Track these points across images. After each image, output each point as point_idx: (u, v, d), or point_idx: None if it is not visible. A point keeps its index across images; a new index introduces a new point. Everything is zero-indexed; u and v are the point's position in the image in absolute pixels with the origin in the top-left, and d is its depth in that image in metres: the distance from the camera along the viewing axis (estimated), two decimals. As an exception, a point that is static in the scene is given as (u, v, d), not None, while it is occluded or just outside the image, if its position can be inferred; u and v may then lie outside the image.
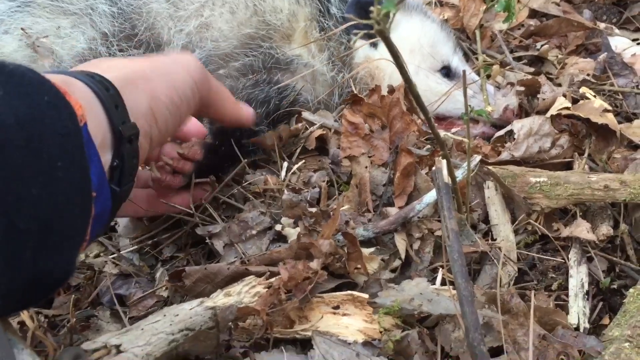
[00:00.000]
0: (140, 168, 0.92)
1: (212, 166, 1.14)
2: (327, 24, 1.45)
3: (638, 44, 1.75)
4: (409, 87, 0.67)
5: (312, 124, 1.33)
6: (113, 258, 1.13)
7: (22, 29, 1.34)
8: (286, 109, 1.34)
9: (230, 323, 0.86)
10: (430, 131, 1.29)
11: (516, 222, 1.13)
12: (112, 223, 1.19)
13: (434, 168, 0.87)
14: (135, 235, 1.17)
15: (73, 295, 1.05)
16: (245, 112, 1.08)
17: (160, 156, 1.08)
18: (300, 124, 1.30)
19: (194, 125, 1.13)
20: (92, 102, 0.71)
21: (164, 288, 1.06)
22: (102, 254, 1.15)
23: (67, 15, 1.39)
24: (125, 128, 0.74)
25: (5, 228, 0.54)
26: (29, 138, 0.58)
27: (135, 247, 1.15)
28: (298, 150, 1.31)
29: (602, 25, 1.80)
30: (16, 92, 0.59)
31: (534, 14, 1.84)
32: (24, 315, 0.87)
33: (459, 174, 1.05)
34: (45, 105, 0.61)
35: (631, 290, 0.99)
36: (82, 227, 0.66)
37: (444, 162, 0.86)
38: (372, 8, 0.56)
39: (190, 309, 0.85)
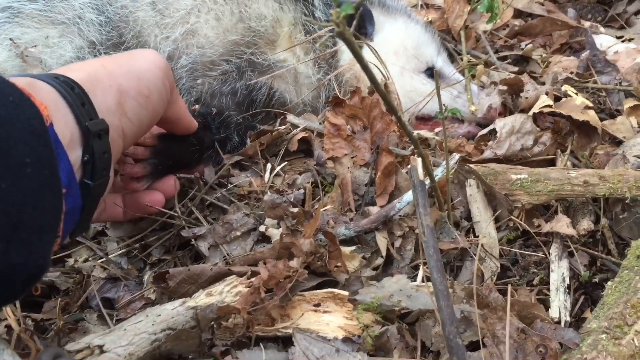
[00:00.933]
0: None
1: (175, 153, 1.14)
2: (312, 28, 1.47)
3: (623, 41, 1.76)
4: (375, 86, 0.69)
5: (296, 126, 1.35)
6: (101, 262, 1.15)
7: (10, 39, 1.36)
8: (264, 108, 1.37)
9: (212, 322, 0.88)
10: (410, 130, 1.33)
11: (498, 219, 1.15)
12: (102, 226, 1.21)
13: (409, 166, 0.89)
14: (124, 236, 1.19)
15: (61, 300, 1.07)
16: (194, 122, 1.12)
17: None
18: (282, 127, 1.32)
19: None
20: (57, 102, 0.74)
21: (151, 290, 1.08)
22: (90, 259, 1.16)
23: (55, 24, 1.41)
24: (93, 124, 0.77)
25: None
26: None
27: (124, 250, 1.17)
28: (282, 152, 1.33)
29: (587, 24, 1.82)
30: None
31: (518, 14, 1.86)
32: (10, 320, 0.89)
33: (439, 172, 1.07)
34: (10, 105, 0.63)
35: (609, 283, 1.00)
36: (54, 223, 0.68)
37: (419, 160, 0.88)
38: (331, 11, 0.58)
39: (173, 309, 0.87)
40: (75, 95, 0.76)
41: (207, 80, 1.40)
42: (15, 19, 1.42)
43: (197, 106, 1.27)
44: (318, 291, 0.94)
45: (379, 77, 1.39)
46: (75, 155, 0.75)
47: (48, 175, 0.66)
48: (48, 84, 0.75)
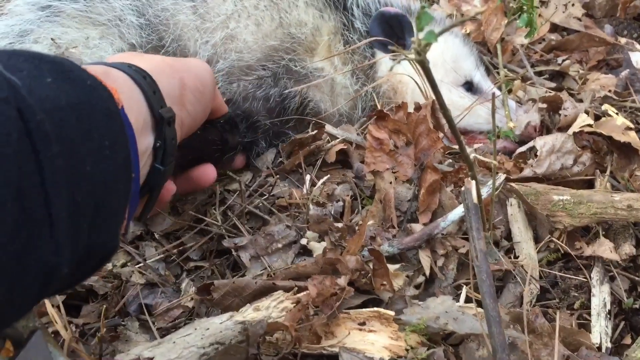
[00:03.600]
0: None
1: (194, 151, 1.11)
2: (351, 38, 1.46)
3: (659, 60, 1.75)
4: (442, 109, 0.69)
5: (334, 137, 1.34)
6: (139, 267, 1.15)
7: (52, 39, 1.36)
8: (297, 115, 1.37)
9: (259, 337, 0.87)
10: (451, 146, 1.32)
11: (538, 240, 1.14)
12: (140, 230, 1.21)
13: (462, 188, 0.88)
14: (165, 231, 1.20)
15: (100, 305, 1.07)
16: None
17: None
18: (319, 138, 1.31)
19: None
20: (132, 89, 0.77)
21: (189, 298, 1.08)
22: (129, 264, 1.17)
23: (96, 25, 1.41)
24: (164, 111, 0.81)
25: (69, 201, 0.57)
26: (80, 118, 0.61)
27: (162, 256, 1.17)
28: (319, 163, 1.32)
29: (623, 41, 1.80)
30: (62, 77, 0.63)
31: (555, 28, 1.85)
32: (58, 325, 0.89)
33: (484, 191, 1.06)
34: (89, 89, 0.65)
35: (654, 310, 1.00)
36: (124, 205, 0.70)
37: (474, 182, 0.88)
38: (412, 39, 0.58)
39: (221, 323, 0.87)
40: (147, 83, 0.79)
41: (242, 83, 1.40)
42: (56, 18, 1.41)
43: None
44: (364, 310, 0.94)
45: (417, 91, 1.38)
46: (147, 141, 0.78)
47: (123, 158, 0.67)
48: (123, 72, 0.78)
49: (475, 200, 0.86)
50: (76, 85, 0.64)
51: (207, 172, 1.12)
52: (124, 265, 1.17)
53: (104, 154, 0.63)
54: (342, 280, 0.91)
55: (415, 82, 1.36)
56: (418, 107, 1.16)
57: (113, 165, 0.65)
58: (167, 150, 0.82)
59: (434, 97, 1.19)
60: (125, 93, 0.73)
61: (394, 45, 0.95)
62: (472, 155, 0.86)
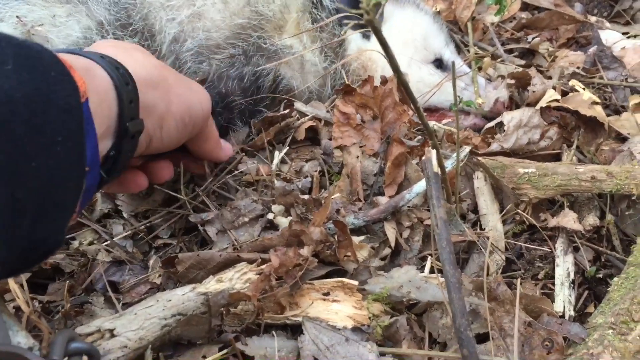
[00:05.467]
0: None
1: None
2: (319, 16, 1.46)
3: (628, 37, 1.77)
4: (398, 77, 0.69)
5: (303, 114, 1.34)
6: (106, 245, 1.14)
7: (17, 17, 1.34)
8: (270, 93, 1.36)
9: (221, 308, 0.87)
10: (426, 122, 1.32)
11: (504, 212, 1.15)
12: (107, 209, 1.20)
13: (424, 158, 0.89)
14: (134, 211, 1.19)
15: (67, 282, 1.06)
16: (224, 152, 1.14)
17: None
18: (289, 116, 1.31)
19: None
20: (108, 91, 0.75)
21: (157, 275, 1.08)
22: (95, 242, 1.16)
23: (63, 3, 1.39)
24: (133, 125, 0.78)
25: (7, 198, 0.56)
26: (34, 113, 0.60)
27: (129, 233, 1.17)
28: (288, 140, 1.32)
29: (592, 19, 1.82)
30: (26, 65, 0.61)
31: (525, 6, 1.86)
32: (19, 301, 0.88)
33: (449, 164, 1.07)
34: (52, 80, 0.63)
35: (615, 279, 1.01)
36: (75, 200, 0.69)
37: (434, 152, 0.88)
38: (361, -1, 0.57)
39: (183, 295, 0.87)
40: (127, 91, 0.77)
41: (214, 62, 1.39)
42: (22, -4, 1.40)
43: None
44: (327, 280, 0.94)
45: (388, 68, 1.38)
46: (103, 145, 0.75)
47: (76, 154, 0.66)
48: (107, 73, 0.76)
49: (435, 169, 0.86)
50: (38, 75, 0.62)
51: (165, 166, 1.10)
52: (91, 244, 1.16)
53: (55, 150, 0.62)
54: (306, 251, 0.91)
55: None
56: (384, 81, 1.16)
57: (64, 161, 0.64)
58: (118, 162, 0.80)
59: (404, 71, 1.20)
60: (100, 93, 0.72)
61: (361, 19, 0.95)
62: (431, 124, 0.86)
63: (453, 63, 0.89)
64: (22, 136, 0.58)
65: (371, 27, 0.57)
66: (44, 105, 0.61)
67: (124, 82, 0.77)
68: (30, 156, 0.59)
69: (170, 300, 0.85)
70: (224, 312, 0.89)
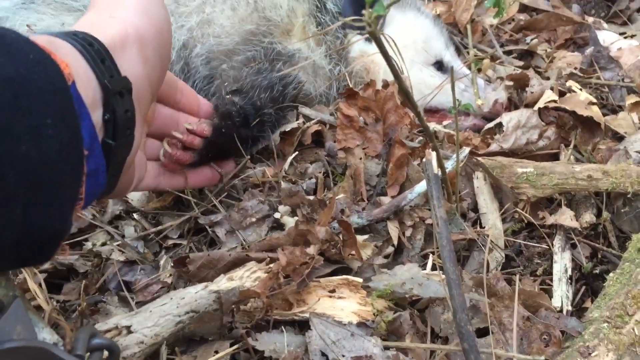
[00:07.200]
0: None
1: (220, 146, 1.16)
2: (323, 19, 1.49)
3: (625, 37, 1.80)
4: (399, 83, 0.72)
5: (309, 118, 1.38)
6: (118, 246, 1.18)
7: (27, 25, 1.38)
8: (292, 101, 1.38)
9: (232, 305, 0.91)
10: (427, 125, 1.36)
11: (503, 211, 1.19)
12: (119, 210, 1.24)
13: (424, 159, 0.92)
14: (144, 210, 1.23)
15: (83, 282, 1.10)
16: (203, 103, 1.15)
17: (171, 132, 1.10)
18: (297, 122, 1.34)
19: (204, 106, 1.17)
20: (78, 60, 0.71)
21: (168, 274, 1.12)
22: (108, 242, 1.20)
23: (71, 12, 1.43)
24: (114, 82, 0.74)
25: None
26: (17, 94, 0.58)
27: (140, 234, 1.20)
28: (295, 144, 1.36)
29: (590, 20, 1.85)
30: (1, 50, 0.59)
31: (524, 8, 1.89)
32: (39, 299, 0.92)
33: (449, 164, 1.11)
34: (31, 63, 0.61)
35: (611, 274, 1.04)
36: (75, 185, 0.66)
37: (434, 153, 0.92)
38: (364, 11, 0.61)
39: (196, 293, 0.91)
40: (94, 52, 0.73)
41: (234, 64, 1.40)
42: (31, 5, 1.43)
43: (237, 98, 1.26)
44: (333, 278, 0.98)
45: (389, 70, 1.42)
46: (96, 114, 0.72)
47: (70, 136, 0.64)
48: (66, 42, 0.71)
49: (435, 170, 0.90)
50: (15, 58, 0.60)
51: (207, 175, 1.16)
52: (103, 244, 1.20)
53: (46, 133, 0.60)
54: (312, 250, 0.95)
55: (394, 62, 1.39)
56: (386, 85, 1.20)
57: (56, 144, 0.61)
58: (117, 123, 0.75)
59: (405, 75, 1.24)
60: (72, 65, 0.68)
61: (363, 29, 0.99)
62: (434, 126, 0.90)
63: (452, 69, 0.93)
64: (7, 120, 0.57)
65: (374, 39, 0.61)
66: (27, 88, 0.59)
67: (87, 44, 0.73)
68: (20, 139, 0.57)
69: (183, 298, 0.89)
70: (235, 309, 0.93)
